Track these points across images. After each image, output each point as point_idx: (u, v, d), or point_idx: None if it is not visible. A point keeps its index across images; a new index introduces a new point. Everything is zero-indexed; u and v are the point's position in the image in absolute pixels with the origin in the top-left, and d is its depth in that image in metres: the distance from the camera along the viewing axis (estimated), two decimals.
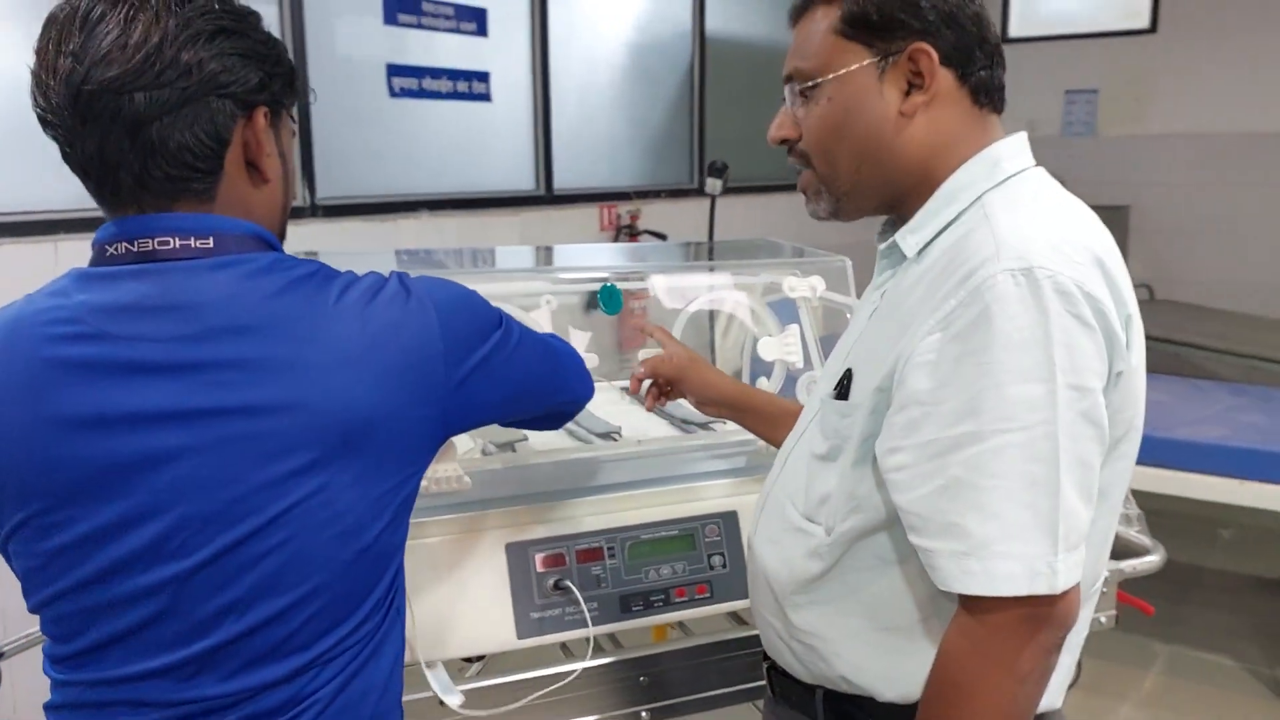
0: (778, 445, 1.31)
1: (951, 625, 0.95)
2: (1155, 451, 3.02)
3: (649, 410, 1.51)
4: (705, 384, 1.46)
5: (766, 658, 1.22)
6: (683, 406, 1.77)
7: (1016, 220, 0.95)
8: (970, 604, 0.92)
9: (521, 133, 4.24)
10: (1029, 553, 0.88)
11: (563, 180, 4.34)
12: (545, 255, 2.23)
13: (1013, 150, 1.04)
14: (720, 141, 4.91)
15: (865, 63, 1.02)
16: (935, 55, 1.01)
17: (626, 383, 1.52)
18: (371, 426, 0.92)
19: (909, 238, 1.04)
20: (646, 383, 1.49)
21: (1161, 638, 3.35)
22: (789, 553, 1.10)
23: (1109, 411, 0.93)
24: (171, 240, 0.92)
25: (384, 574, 1.00)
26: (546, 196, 4.28)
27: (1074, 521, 0.90)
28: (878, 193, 1.07)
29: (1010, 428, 0.88)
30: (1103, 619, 1.71)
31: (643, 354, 1.53)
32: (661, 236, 4.50)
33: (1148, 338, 3.70)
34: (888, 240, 1.08)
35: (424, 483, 1.40)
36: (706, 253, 2.17)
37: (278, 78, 0.99)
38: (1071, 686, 1.77)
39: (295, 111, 1.07)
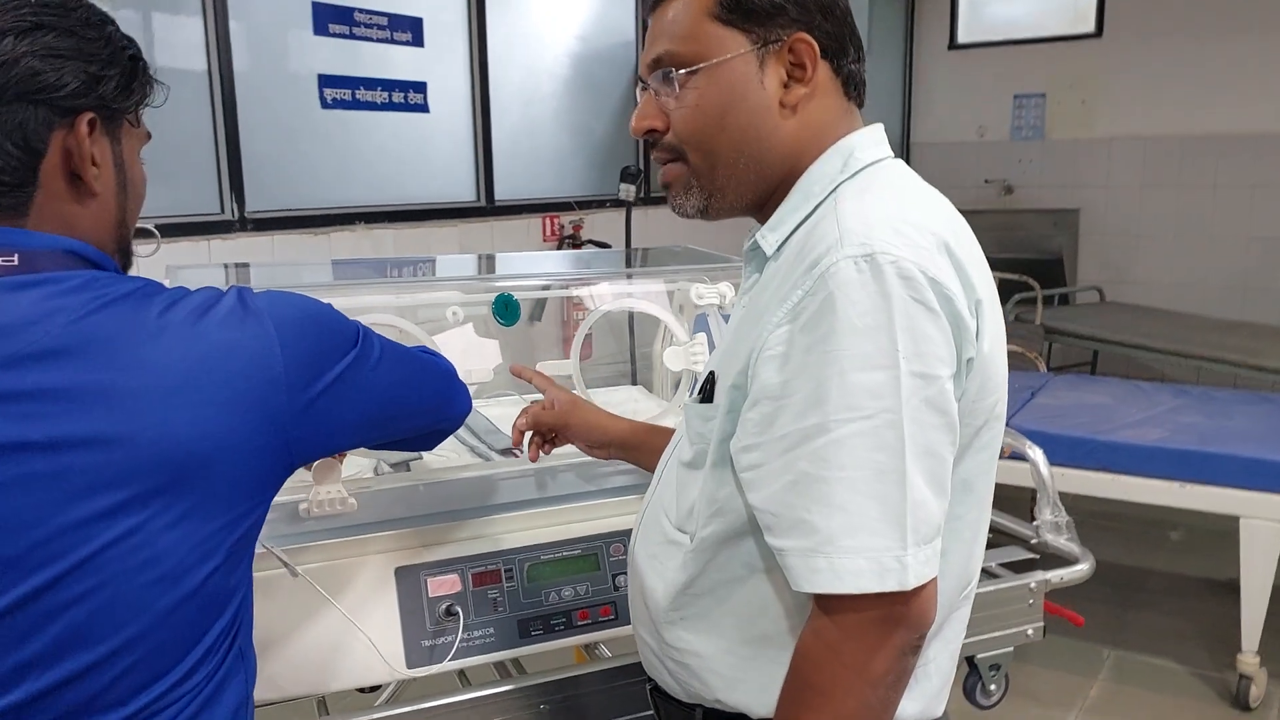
0: None
1: (806, 626, 0.91)
2: (1097, 454, 3.00)
3: (533, 462, 1.43)
4: (591, 428, 1.41)
5: (648, 679, 1.17)
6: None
7: (861, 206, 0.92)
8: (822, 603, 0.88)
9: (461, 143, 4.18)
10: (876, 546, 0.85)
11: (504, 191, 4.28)
12: (486, 264, 2.16)
13: (868, 141, 1.01)
14: None
15: (744, 50, 0.98)
16: (816, 46, 0.97)
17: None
18: (199, 460, 0.85)
19: (769, 236, 1.01)
20: (528, 435, 1.42)
21: (1107, 643, 3.32)
22: (663, 566, 1.05)
23: (965, 401, 0.91)
24: None
25: (217, 618, 0.92)
26: (488, 207, 4.23)
27: (924, 513, 0.86)
28: (751, 188, 1.02)
29: (853, 417, 0.85)
30: (1030, 631, 1.67)
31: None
32: (605, 246, 4.45)
33: (1097, 340, 3.70)
34: (750, 243, 1.04)
35: (305, 505, 1.34)
36: (624, 262, 2.11)
37: (109, 80, 0.91)
38: (999, 699, 1.74)
39: (138, 116, 0.99)
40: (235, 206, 3.31)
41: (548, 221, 4.40)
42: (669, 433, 1.38)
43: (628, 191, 2.94)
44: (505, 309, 1.46)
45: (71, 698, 0.84)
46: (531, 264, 2.28)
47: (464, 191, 4.20)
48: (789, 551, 0.88)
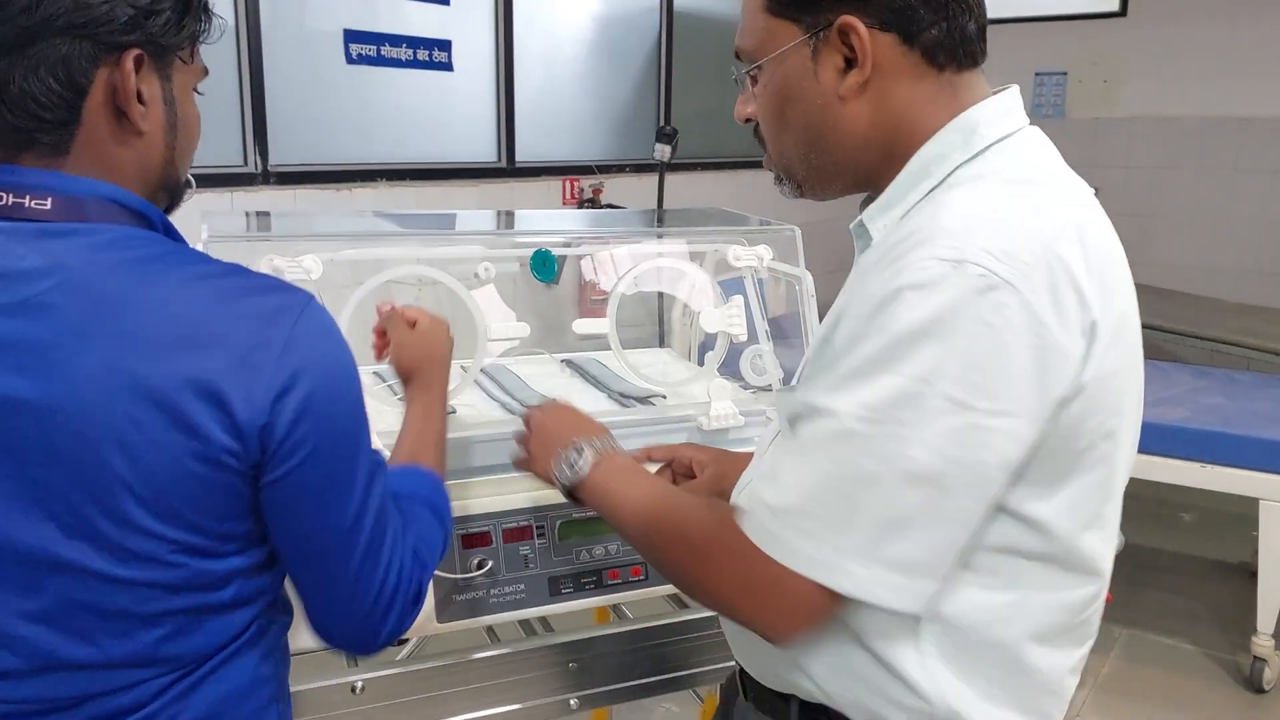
0: None
1: (748, 521, 0.89)
2: None
3: None
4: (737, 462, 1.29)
5: (738, 664, 1.12)
6: (622, 380, 1.70)
7: (968, 200, 0.85)
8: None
9: (484, 103, 4.14)
10: (825, 540, 0.83)
11: (525, 152, 4.25)
12: (505, 220, 2.14)
13: (994, 113, 0.92)
14: (685, 116, 4.83)
15: (796, 42, 0.92)
16: (863, 27, 0.88)
17: (567, 355, 1.45)
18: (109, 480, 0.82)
19: (877, 219, 0.94)
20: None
21: (1121, 621, 3.33)
22: None
23: (1063, 427, 0.84)
24: (5, 196, 0.83)
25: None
26: (508, 168, 4.20)
27: (897, 538, 0.82)
28: (837, 176, 0.97)
29: (866, 416, 0.81)
30: None
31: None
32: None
33: None
34: (855, 221, 0.98)
35: None
36: (655, 221, 2.09)
37: (160, 14, 0.87)
38: None
39: (196, 53, 0.96)
40: (259, 159, 3.29)
41: (568, 184, 4.37)
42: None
43: (663, 152, 2.87)
44: (543, 265, 1.44)
45: None
46: (557, 221, 2.25)
47: (485, 152, 4.17)
48: (755, 481, 0.92)
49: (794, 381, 0.98)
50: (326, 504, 0.89)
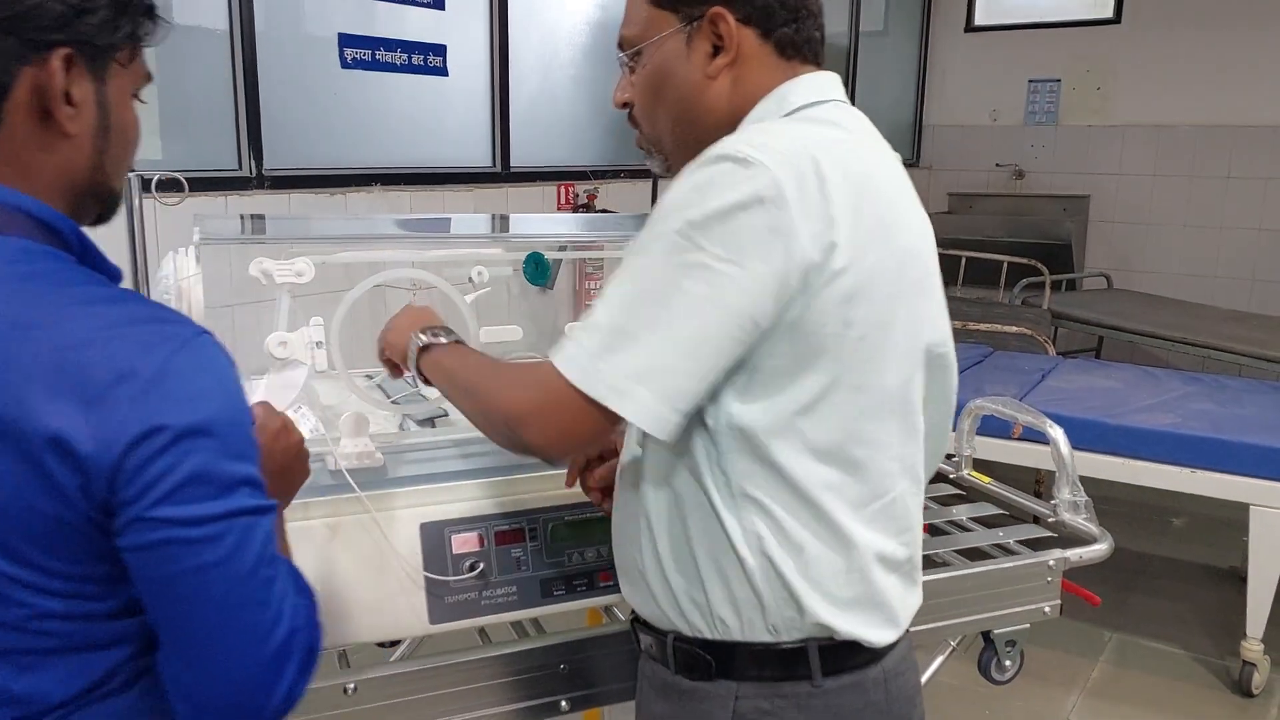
0: None
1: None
2: (1107, 438, 3.01)
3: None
4: None
5: (633, 610, 1.21)
6: None
7: (753, 128, 1.05)
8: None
9: (478, 108, 4.14)
10: (584, 344, 0.95)
11: (520, 157, 4.25)
12: (500, 224, 2.15)
13: (805, 87, 1.08)
14: None
15: (673, 29, 1.08)
16: (731, 18, 1.06)
17: None
18: None
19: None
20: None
21: (1110, 626, 3.34)
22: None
23: (820, 306, 0.96)
24: None
25: None
26: (503, 173, 4.20)
27: (636, 347, 0.94)
28: (699, 147, 1.06)
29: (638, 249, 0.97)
30: (1047, 608, 1.68)
31: None
32: None
33: (1103, 326, 3.69)
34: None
35: (334, 459, 1.34)
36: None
37: (92, 13, 0.82)
38: (1014, 675, 1.75)
39: (136, 55, 0.90)
40: (253, 164, 3.28)
41: (562, 189, 4.38)
42: None
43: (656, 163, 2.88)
44: (536, 268, 1.45)
45: None
46: (550, 225, 2.26)
47: (480, 157, 4.17)
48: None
49: None
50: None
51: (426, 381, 1.19)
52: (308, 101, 3.53)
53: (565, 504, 1.41)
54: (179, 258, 1.35)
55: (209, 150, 3.23)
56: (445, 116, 4.02)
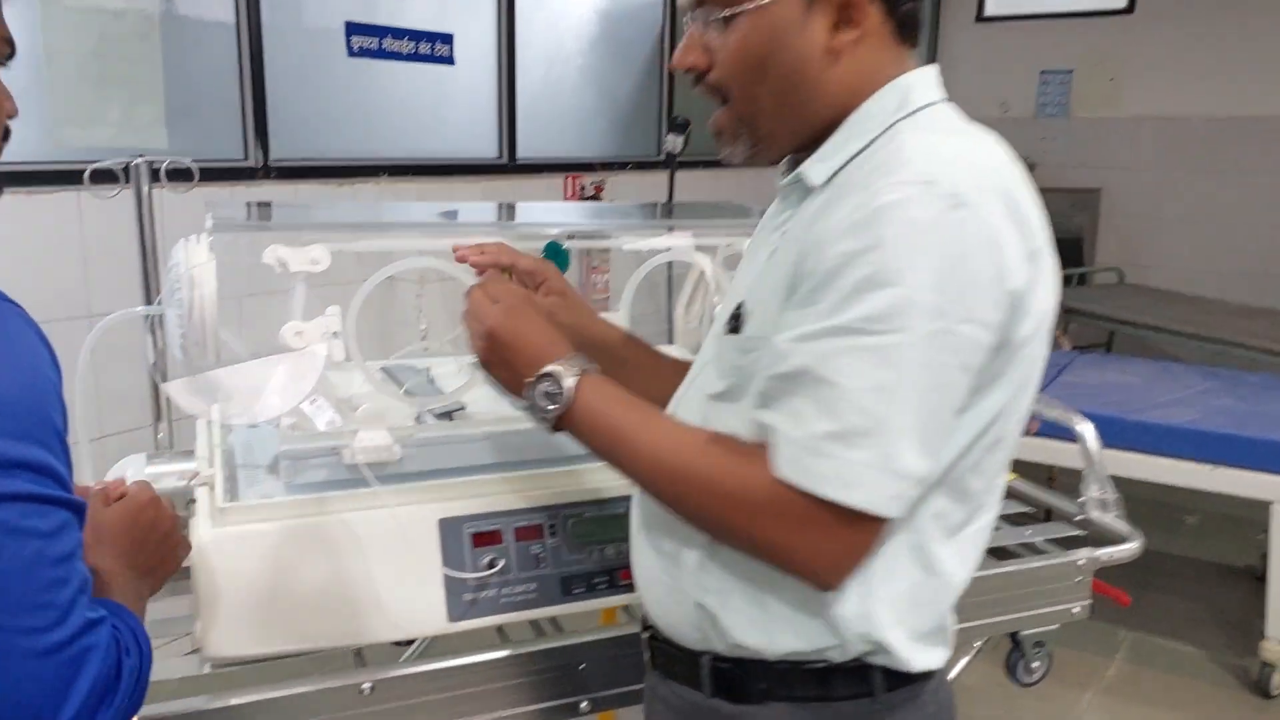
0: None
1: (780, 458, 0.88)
2: (1126, 434, 2.96)
3: (462, 261, 1.24)
4: (581, 311, 1.27)
5: (646, 626, 1.14)
6: None
7: (925, 142, 0.91)
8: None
9: (485, 99, 4.10)
10: (852, 459, 0.84)
11: (527, 149, 4.22)
12: (507, 212, 2.11)
13: (925, 81, 0.98)
14: (689, 113, 4.79)
15: None
16: None
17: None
18: None
19: (816, 167, 0.98)
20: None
21: (1125, 624, 3.31)
22: None
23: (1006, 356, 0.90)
24: None
25: None
26: (510, 165, 4.16)
27: (907, 444, 0.85)
28: (798, 134, 0.99)
29: (869, 329, 0.84)
30: (1076, 608, 1.64)
31: None
32: None
33: (1115, 321, 3.64)
34: (791, 175, 1.01)
35: (349, 452, 1.30)
36: (665, 213, 2.05)
37: None
38: (1042, 677, 1.71)
39: None
40: (260, 153, 3.24)
41: (569, 181, 4.33)
42: (663, 355, 1.34)
43: (675, 143, 2.73)
44: (555, 257, 1.41)
45: None
46: (563, 214, 2.21)
47: (486, 148, 4.13)
48: (774, 426, 0.88)
49: (747, 330, 0.98)
50: None
51: (558, 427, 1.00)
52: (314, 91, 3.49)
53: (586, 500, 1.37)
54: (190, 245, 1.31)
55: (215, 140, 3.19)
56: (451, 107, 3.98)
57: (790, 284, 0.92)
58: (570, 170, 4.35)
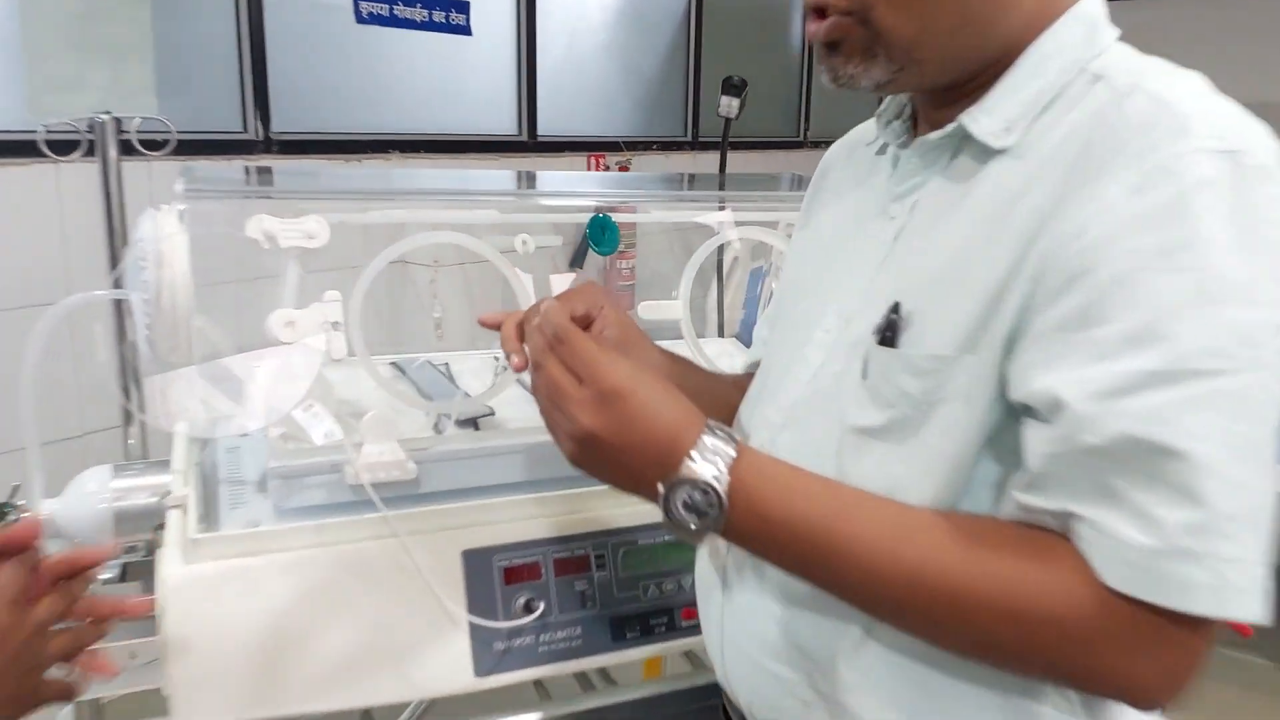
0: None
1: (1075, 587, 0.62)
2: None
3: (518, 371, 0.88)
4: (645, 345, 0.96)
5: (726, 702, 0.90)
6: None
7: (1186, 89, 0.67)
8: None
9: (504, 72, 3.87)
10: (1224, 555, 0.59)
11: (547, 126, 3.99)
12: (529, 182, 1.85)
13: (1103, 10, 0.75)
14: (716, 90, 4.55)
15: None
16: None
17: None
18: None
19: (983, 119, 0.72)
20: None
21: (1264, 656, 3.07)
22: None
23: None
24: None
25: None
26: (529, 143, 3.93)
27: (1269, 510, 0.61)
28: (962, 65, 0.74)
29: (1212, 367, 0.59)
30: None
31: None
32: None
33: None
34: (948, 128, 0.74)
35: (352, 470, 1.06)
36: (717, 186, 1.80)
37: None
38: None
39: None
40: (259, 125, 3.02)
41: (593, 160, 4.10)
42: (713, 378, 1.05)
43: (730, 107, 2.32)
44: (603, 233, 1.16)
45: None
46: (599, 185, 1.95)
47: (505, 124, 3.90)
48: (1098, 524, 0.61)
49: (914, 344, 0.71)
50: None
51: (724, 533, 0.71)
52: (320, 59, 3.27)
53: (640, 524, 1.13)
54: (159, 216, 1.08)
55: (211, 110, 2.98)
56: (468, 79, 3.75)
57: (1004, 288, 0.67)
58: (594, 149, 4.11)
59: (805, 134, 5.02)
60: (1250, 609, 0.59)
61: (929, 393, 0.70)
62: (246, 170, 1.71)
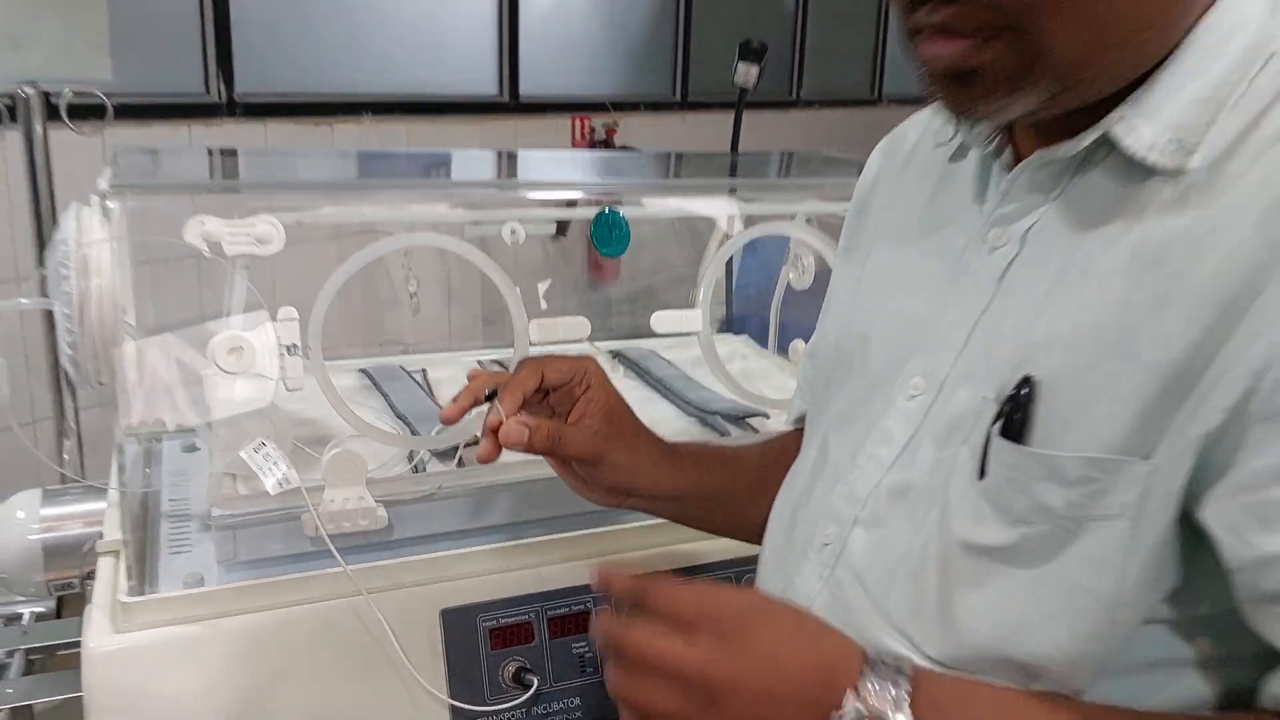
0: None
1: None
2: None
3: (483, 462, 0.77)
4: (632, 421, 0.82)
5: None
6: (700, 387, 1.28)
7: None
8: None
9: (484, 28, 3.70)
10: None
11: (530, 87, 3.83)
12: (509, 166, 1.68)
13: None
14: (707, 52, 4.38)
15: None
16: None
17: (615, 344, 1.01)
18: None
19: (1144, 129, 0.54)
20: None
21: None
22: None
23: None
24: None
25: None
26: (512, 104, 3.77)
27: None
28: (1132, 75, 0.55)
29: None
30: None
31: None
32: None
33: None
34: (1088, 140, 0.56)
35: (310, 519, 0.91)
36: (728, 169, 1.62)
37: None
38: None
39: None
40: (222, 87, 2.85)
41: (578, 123, 3.93)
42: (704, 450, 0.87)
43: (747, 75, 2.07)
44: (610, 233, 1.00)
45: None
46: (593, 169, 1.78)
47: (486, 84, 3.74)
48: None
49: (1056, 441, 0.54)
50: None
51: None
52: (287, 15, 3.11)
53: (650, 570, 0.98)
54: (82, 214, 0.91)
55: (169, 70, 2.81)
56: (446, 37, 3.59)
57: (1185, 373, 0.51)
58: (579, 110, 3.94)
59: (798, 94, 4.84)
60: None
61: (1078, 507, 0.53)
62: (209, 152, 1.53)
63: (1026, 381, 0.55)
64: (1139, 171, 0.55)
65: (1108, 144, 0.56)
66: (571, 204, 1.31)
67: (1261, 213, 0.50)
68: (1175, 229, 0.52)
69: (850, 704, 0.51)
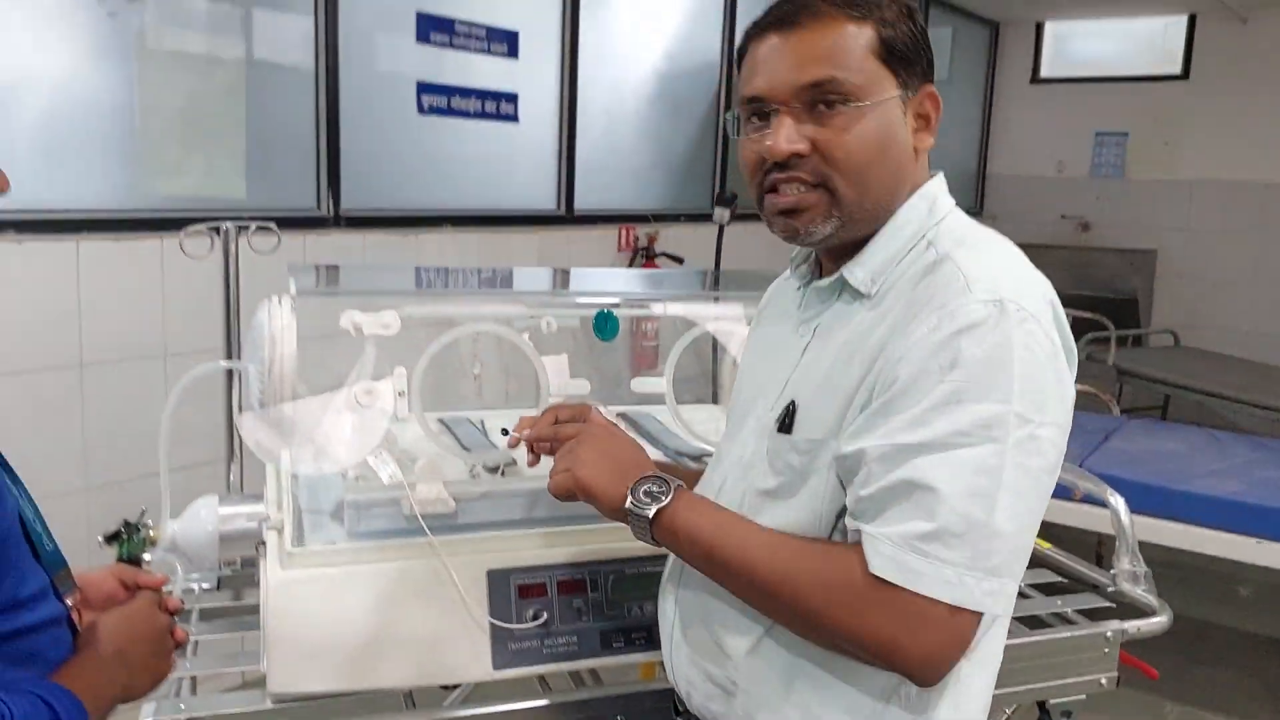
0: None
1: (856, 563, 0.94)
2: (1171, 504, 2.97)
3: (531, 467, 1.30)
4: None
5: (682, 713, 1.20)
6: (676, 436, 1.75)
7: (977, 258, 0.99)
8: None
9: (546, 154, 4.25)
10: (952, 560, 0.90)
11: (584, 201, 4.35)
12: (561, 278, 2.20)
13: (942, 189, 1.08)
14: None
15: (895, 94, 1.02)
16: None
17: (622, 408, 1.50)
18: None
19: (858, 271, 1.05)
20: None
21: (1171, 697, 3.27)
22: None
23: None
24: None
25: None
26: (566, 216, 4.29)
27: (1001, 545, 0.91)
28: (877, 223, 1.05)
29: (960, 442, 0.90)
30: (1104, 680, 1.67)
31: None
32: (678, 260, 4.50)
33: (1170, 385, 3.63)
34: (833, 278, 1.07)
35: (407, 503, 1.39)
36: (713, 282, 2.14)
37: None
38: None
39: None
40: (331, 204, 3.38)
41: (624, 232, 4.45)
42: (693, 474, 1.36)
43: (722, 216, 2.92)
44: (605, 324, 1.51)
45: None
46: (615, 282, 2.31)
47: (545, 200, 4.26)
48: (878, 539, 0.92)
49: (801, 431, 1.04)
50: None
51: (656, 541, 1.08)
52: (385, 145, 3.63)
53: (627, 557, 1.44)
54: (273, 307, 1.42)
55: (292, 191, 3.34)
56: (514, 161, 4.12)
57: (855, 393, 0.99)
58: (624, 221, 4.46)
59: None
60: (974, 603, 0.90)
61: (805, 465, 1.02)
62: (316, 269, 2.07)
63: (791, 404, 1.05)
64: (854, 294, 1.05)
65: (843, 280, 1.05)
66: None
67: (898, 312, 0.98)
68: (863, 322, 1.02)
69: (659, 474, 1.03)
